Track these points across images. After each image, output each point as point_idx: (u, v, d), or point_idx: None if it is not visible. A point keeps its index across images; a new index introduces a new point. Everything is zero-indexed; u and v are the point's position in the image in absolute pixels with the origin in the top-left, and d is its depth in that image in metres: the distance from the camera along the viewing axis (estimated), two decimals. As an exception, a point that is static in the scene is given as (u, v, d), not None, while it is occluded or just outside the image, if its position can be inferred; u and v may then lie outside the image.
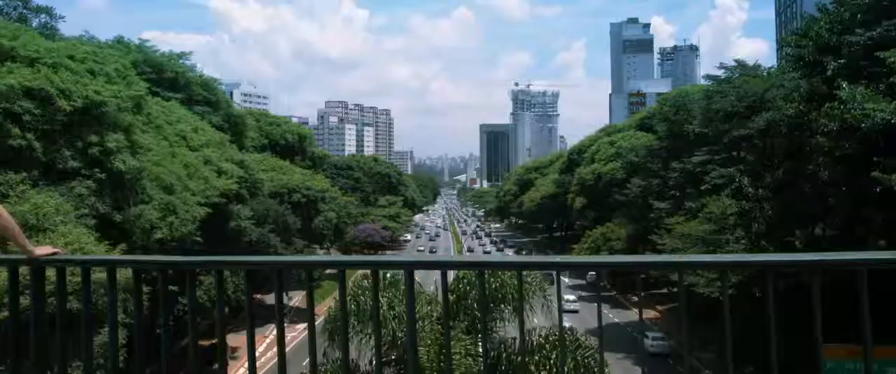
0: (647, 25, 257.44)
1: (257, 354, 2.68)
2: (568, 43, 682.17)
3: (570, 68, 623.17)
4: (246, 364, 2.71)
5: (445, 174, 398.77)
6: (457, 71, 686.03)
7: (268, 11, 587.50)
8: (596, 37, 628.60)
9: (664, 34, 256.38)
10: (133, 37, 44.27)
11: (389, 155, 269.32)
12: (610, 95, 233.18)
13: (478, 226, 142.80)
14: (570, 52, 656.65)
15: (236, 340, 22.88)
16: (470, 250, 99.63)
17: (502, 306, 12.08)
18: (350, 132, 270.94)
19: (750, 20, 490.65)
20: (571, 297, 46.66)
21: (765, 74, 32.03)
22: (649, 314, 44.41)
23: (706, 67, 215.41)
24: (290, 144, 69.41)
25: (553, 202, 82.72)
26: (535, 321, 12.66)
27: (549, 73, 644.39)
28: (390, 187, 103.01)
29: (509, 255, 79.66)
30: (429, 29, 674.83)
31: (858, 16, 24.07)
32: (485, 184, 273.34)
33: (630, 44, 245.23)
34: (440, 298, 12.50)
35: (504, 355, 11.77)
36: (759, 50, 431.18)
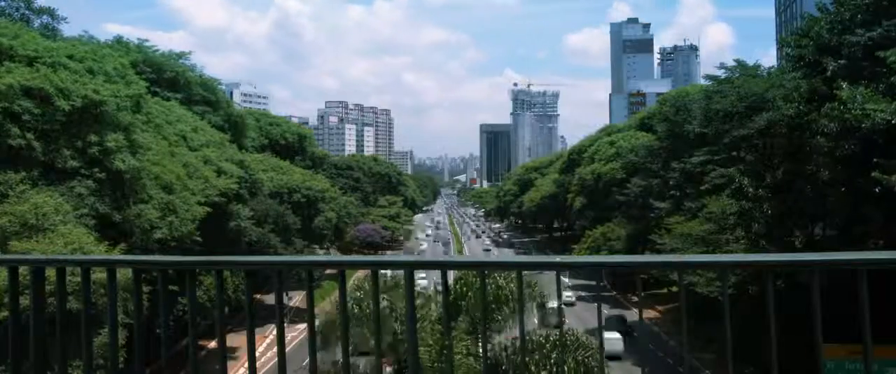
0: (647, 25, 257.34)
1: (257, 354, 2.68)
2: (534, 38, 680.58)
3: (539, 63, 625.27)
4: (246, 364, 2.71)
5: (445, 174, 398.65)
6: (424, 66, 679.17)
7: (231, 9, 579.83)
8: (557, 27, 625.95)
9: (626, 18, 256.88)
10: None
11: (389, 155, 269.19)
12: (610, 95, 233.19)
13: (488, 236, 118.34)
14: (542, 48, 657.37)
15: (236, 340, 22.85)
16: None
17: (503, 307, 12.10)
18: (350, 132, 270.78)
19: (717, 12, 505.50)
20: (568, 293, 46.83)
21: (765, 73, 32.01)
22: (649, 314, 44.43)
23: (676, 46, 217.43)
24: (290, 144, 69.49)
25: (553, 202, 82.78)
26: (535, 321, 12.68)
27: (515, 67, 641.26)
28: (390, 187, 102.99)
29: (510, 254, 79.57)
30: (378, 21, 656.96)
31: (858, 16, 24.06)
32: (485, 184, 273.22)
33: (630, 44, 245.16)
34: (440, 298, 12.51)
35: (504, 355, 11.78)
36: (725, 40, 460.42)
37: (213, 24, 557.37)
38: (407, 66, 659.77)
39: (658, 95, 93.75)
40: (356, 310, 11.80)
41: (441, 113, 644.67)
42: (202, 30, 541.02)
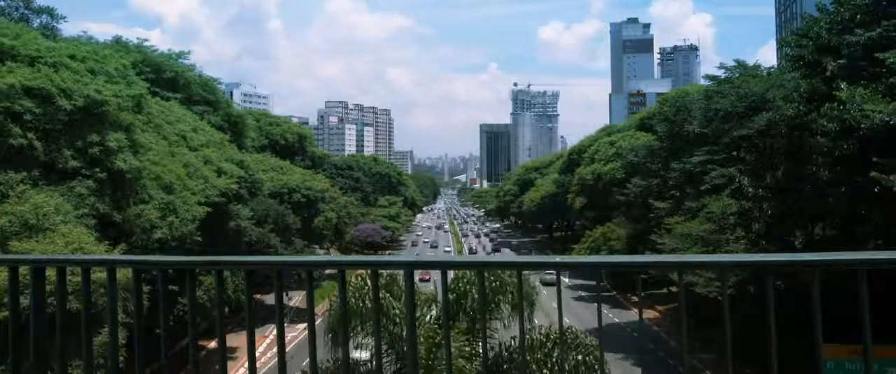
0: (647, 25, 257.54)
1: (257, 354, 2.68)
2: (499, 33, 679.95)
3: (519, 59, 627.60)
4: (246, 364, 2.71)
5: (445, 174, 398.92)
6: (421, 65, 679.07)
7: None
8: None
9: (610, 12, 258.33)
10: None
11: (389, 155, 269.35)
12: (610, 95, 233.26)
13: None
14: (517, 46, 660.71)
15: (236, 340, 22.86)
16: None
17: (502, 306, 12.08)
18: (350, 132, 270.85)
19: (703, 7, 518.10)
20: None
21: (765, 73, 32.01)
22: (649, 314, 44.41)
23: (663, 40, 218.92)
24: (290, 144, 69.46)
25: (553, 202, 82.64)
26: (535, 320, 12.67)
27: (511, 66, 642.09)
28: (390, 187, 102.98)
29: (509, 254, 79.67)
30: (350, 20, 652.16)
31: (858, 16, 24.05)
32: (485, 184, 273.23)
33: (630, 44, 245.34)
34: (440, 297, 12.50)
35: (504, 354, 11.77)
36: (706, 32, 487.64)
37: (184, 23, 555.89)
38: (404, 64, 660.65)
39: (658, 95, 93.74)
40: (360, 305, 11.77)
41: (440, 113, 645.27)
42: (174, 29, 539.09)
